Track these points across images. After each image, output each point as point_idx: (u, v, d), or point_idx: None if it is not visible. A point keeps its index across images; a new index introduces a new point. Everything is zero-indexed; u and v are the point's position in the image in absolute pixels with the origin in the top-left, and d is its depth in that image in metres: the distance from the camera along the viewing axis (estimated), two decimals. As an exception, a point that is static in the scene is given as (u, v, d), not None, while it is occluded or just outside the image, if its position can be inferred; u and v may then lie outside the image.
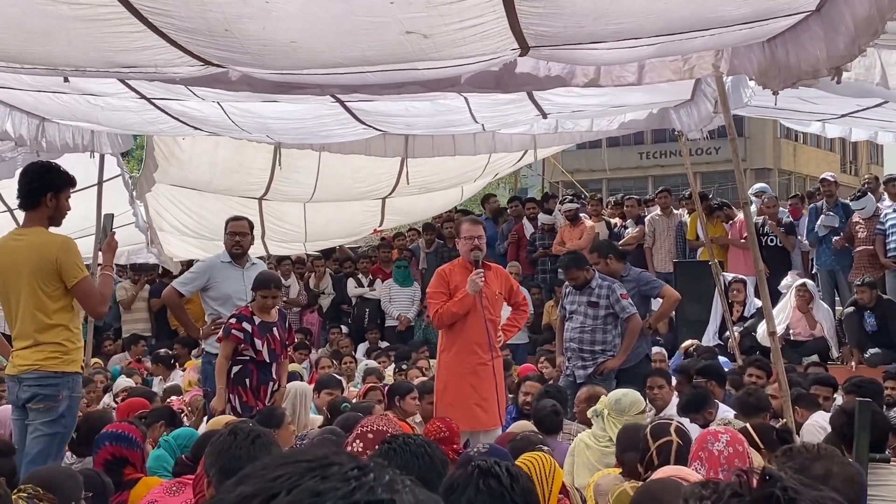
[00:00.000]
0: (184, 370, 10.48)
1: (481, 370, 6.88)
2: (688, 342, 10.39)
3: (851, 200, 11.42)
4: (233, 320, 6.92)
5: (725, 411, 6.68)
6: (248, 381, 6.84)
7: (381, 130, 8.83)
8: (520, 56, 5.24)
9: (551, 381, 9.06)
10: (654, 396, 7.48)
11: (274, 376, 6.93)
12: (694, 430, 5.21)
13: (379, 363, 11.09)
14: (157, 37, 4.67)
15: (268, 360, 6.88)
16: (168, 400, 8.99)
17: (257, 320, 6.90)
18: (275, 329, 6.94)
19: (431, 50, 4.81)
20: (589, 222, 13.36)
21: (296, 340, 7.82)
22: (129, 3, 4.30)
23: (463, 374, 6.87)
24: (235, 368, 6.87)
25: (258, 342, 6.84)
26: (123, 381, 9.61)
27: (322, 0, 4.30)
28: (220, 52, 4.93)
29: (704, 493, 1.22)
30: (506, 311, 7.62)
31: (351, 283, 14.48)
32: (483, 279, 6.86)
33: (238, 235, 7.54)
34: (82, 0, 4.34)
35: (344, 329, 13.80)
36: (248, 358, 6.87)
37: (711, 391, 7.16)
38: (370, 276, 14.46)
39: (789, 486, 1.17)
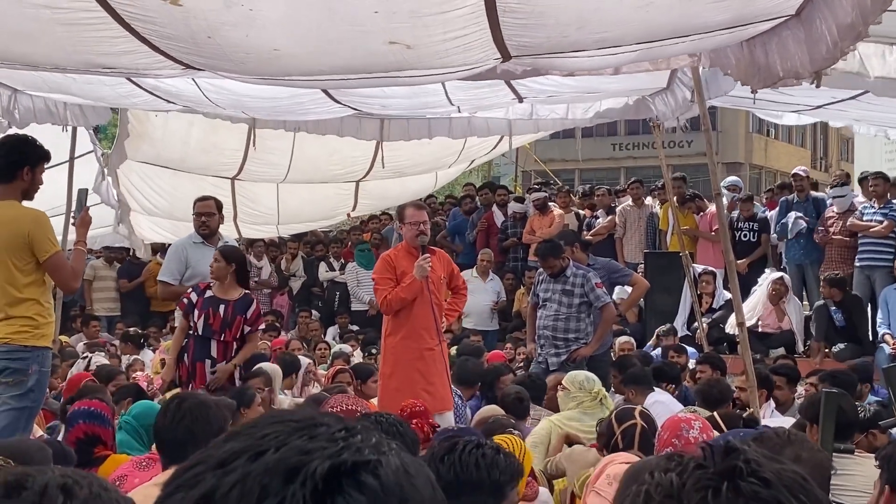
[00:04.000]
0: (154, 350, 10.43)
1: (428, 355, 6.84)
2: (662, 328, 10.45)
3: (832, 187, 11.52)
4: (189, 290, 6.95)
5: (655, 400, 6.58)
6: (185, 355, 6.80)
7: (356, 109, 8.81)
8: (501, 63, 5.25)
9: (519, 366, 9.12)
10: (622, 384, 7.55)
11: (213, 354, 6.77)
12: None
13: (350, 346, 11.09)
14: (139, 42, 4.62)
15: (201, 334, 6.77)
16: (133, 376, 8.96)
17: (208, 294, 6.83)
18: (223, 306, 6.79)
19: (414, 60, 4.79)
20: (558, 210, 13.43)
21: (261, 324, 7.64)
22: (112, 9, 4.24)
23: (410, 359, 6.83)
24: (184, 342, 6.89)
25: (195, 313, 6.76)
26: (99, 359, 9.55)
27: (305, 8, 4.27)
28: (203, 59, 4.89)
29: (669, 465, 1.24)
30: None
31: (322, 266, 14.50)
32: (430, 264, 6.85)
33: (204, 216, 7.46)
34: (63, 5, 4.27)
35: (315, 313, 13.79)
36: (191, 332, 6.83)
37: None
38: (341, 260, 14.48)
39: (752, 458, 1.20)
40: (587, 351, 8.21)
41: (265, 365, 7.64)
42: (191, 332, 6.81)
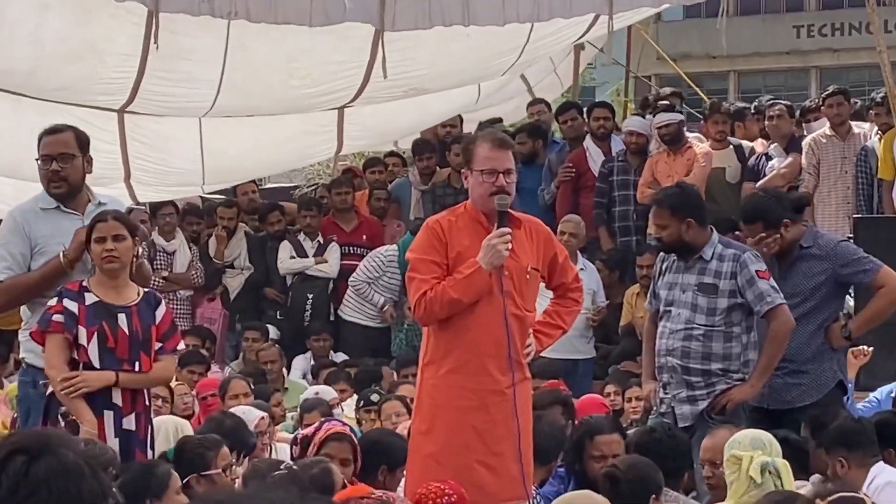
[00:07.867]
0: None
1: (494, 403, 6.94)
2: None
3: None
4: (53, 300, 7.00)
5: (887, 481, 6.69)
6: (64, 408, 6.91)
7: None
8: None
9: (634, 420, 9.20)
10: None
11: (117, 401, 6.92)
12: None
13: (336, 390, 11.10)
14: None
15: (98, 367, 6.91)
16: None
17: (91, 298, 6.96)
18: (125, 316, 6.98)
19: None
20: (701, 147, 13.45)
21: (178, 344, 7.64)
22: None
23: (463, 408, 6.92)
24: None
25: (83, 332, 6.89)
26: None
27: None
28: None
29: None
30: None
31: (284, 248, 14.50)
32: (510, 245, 6.88)
33: (56, 160, 7.43)
34: None
35: (272, 330, 13.89)
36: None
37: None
38: (318, 239, 14.48)
39: None
40: (744, 393, 8.18)
41: (167, 418, 7.91)
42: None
